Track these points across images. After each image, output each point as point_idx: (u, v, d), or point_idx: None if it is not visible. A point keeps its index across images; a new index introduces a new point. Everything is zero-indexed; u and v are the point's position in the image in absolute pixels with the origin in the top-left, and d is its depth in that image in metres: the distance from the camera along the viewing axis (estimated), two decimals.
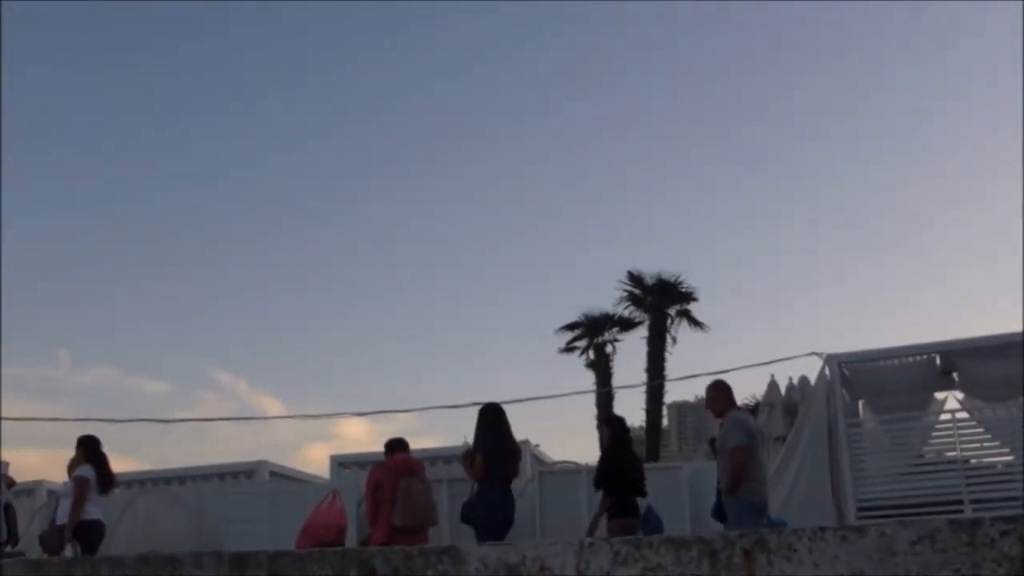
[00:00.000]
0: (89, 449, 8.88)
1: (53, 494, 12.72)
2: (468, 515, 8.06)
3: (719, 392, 7.91)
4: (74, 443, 9.02)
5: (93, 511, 8.53)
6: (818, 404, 10.45)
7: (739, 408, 8.08)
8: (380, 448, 10.28)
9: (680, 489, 10.54)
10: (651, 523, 8.40)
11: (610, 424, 8.93)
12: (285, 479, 14.88)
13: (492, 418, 8.30)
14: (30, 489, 14.37)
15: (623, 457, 8.53)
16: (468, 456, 8.12)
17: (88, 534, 8.43)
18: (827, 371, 10.45)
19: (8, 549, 8.87)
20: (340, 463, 14.26)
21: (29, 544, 11.00)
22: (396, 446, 8.09)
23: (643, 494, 8.54)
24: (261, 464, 14.94)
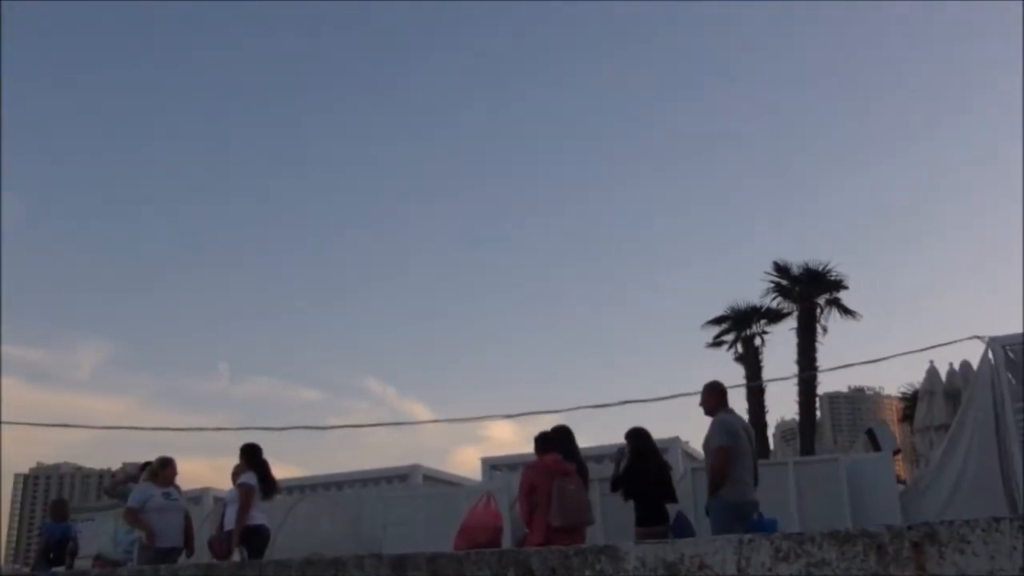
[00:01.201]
0: (251, 457, 9.28)
1: (220, 501, 13.36)
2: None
3: (712, 393, 8.23)
4: (237, 451, 9.44)
5: (258, 516, 8.92)
6: (983, 389, 10.10)
7: (728, 410, 8.28)
8: (528, 449, 10.41)
9: (839, 482, 10.32)
10: (681, 529, 8.56)
11: (629, 439, 9.00)
12: (438, 482, 15.21)
13: (560, 440, 8.74)
14: (198, 496, 15.15)
15: (645, 468, 8.73)
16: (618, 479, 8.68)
17: (254, 539, 8.82)
18: (991, 355, 10.09)
19: (187, 554, 9.34)
20: (491, 465, 14.48)
21: (199, 549, 11.60)
22: (547, 441, 8.18)
23: (672, 500, 8.80)
24: (415, 468, 15.31)
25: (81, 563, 13.58)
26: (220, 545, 9.00)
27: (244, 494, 8.86)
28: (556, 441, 8.28)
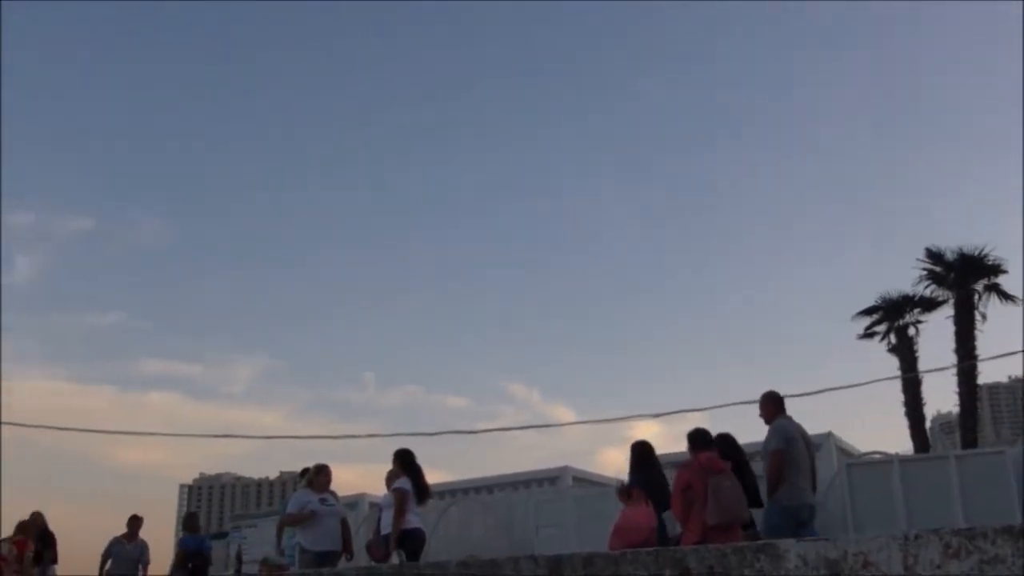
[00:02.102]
0: (405, 462, 9.51)
1: (375, 506, 13.74)
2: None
3: (768, 402, 8.69)
4: (387, 458, 9.70)
5: (413, 520, 9.14)
6: None
7: (786, 417, 8.60)
8: (673, 449, 10.32)
9: (1005, 475, 9.90)
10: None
11: (718, 444, 9.02)
12: (588, 483, 15.24)
13: (642, 454, 9.45)
14: (354, 502, 15.59)
15: (647, 476, 9.15)
16: (624, 490, 9.17)
17: (410, 542, 9.04)
18: None
19: (345, 559, 9.64)
20: None
21: (357, 553, 11.95)
22: (700, 440, 8.14)
23: (756, 505, 8.84)
24: (565, 470, 15.39)
25: (248, 568, 14.19)
26: (377, 548, 9.25)
27: (399, 498, 9.09)
28: (711, 440, 8.24)
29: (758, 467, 9.31)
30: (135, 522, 13.21)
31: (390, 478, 9.48)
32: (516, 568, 6.49)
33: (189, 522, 13.52)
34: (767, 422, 8.56)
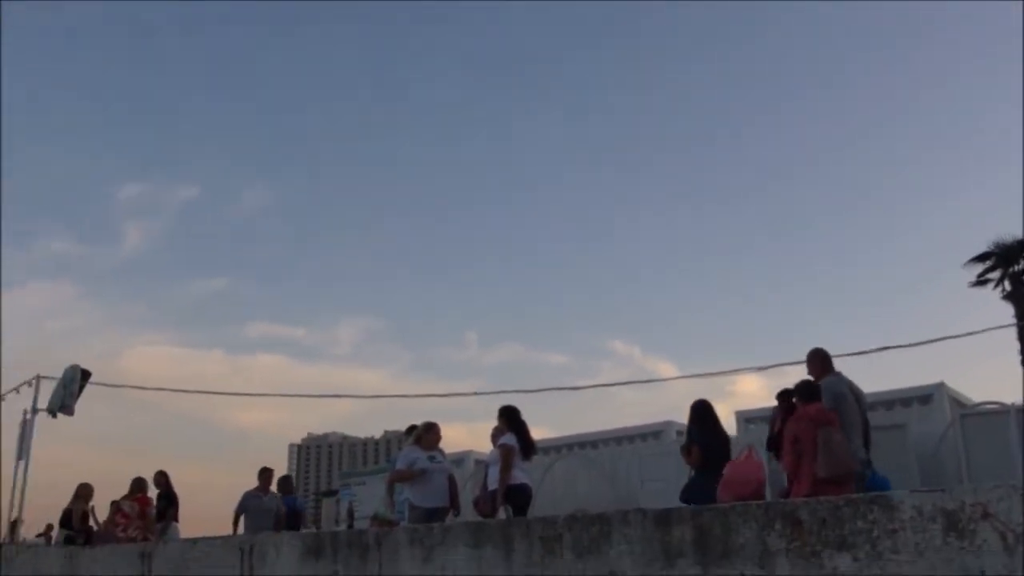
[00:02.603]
0: (511, 418, 9.61)
1: (481, 463, 13.96)
2: (688, 498, 8.76)
3: (815, 360, 8.64)
4: (490, 417, 9.81)
5: (520, 476, 9.25)
6: None
7: (836, 373, 8.55)
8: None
9: None
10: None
11: (692, 408, 9.56)
12: None
13: (702, 413, 9.51)
14: (460, 459, 15.88)
15: (707, 435, 9.31)
16: (685, 447, 9.39)
17: (517, 497, 9.16)
18: None
19: (452, 516, 9.82)
20: (746, 419, 14.36)
21: (464, 509, 12.18)
22: (808, 392, 8.06)
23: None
24: (668, 424, 15.40)
25: (359, 524, 14.59)
26: (485, 504, 9.39)
27: (505, 454, 9.20)
28: (818, 392, 8.15)
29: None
30: (266, 474, 13.22)
31: (496, 434, 9.60)
32: (625, 522, 6.57)
33: (283, 484, 13.93)
34: (816, 380, 8.48)
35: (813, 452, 7.31)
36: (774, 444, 9.37)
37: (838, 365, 8.68)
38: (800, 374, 8.75)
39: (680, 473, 11.79)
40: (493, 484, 9.29)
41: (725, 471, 8.06)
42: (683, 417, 9.92)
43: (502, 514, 9.10)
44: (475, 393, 12.91)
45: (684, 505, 6.84)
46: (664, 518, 6.50)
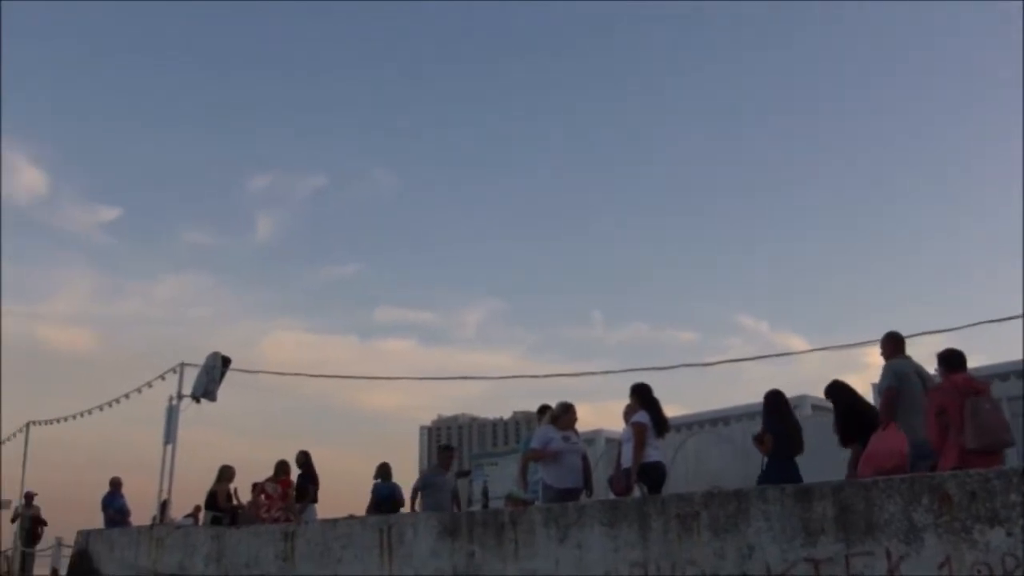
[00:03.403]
0: (643, 396, 9.58)
1: (612, 442, 13.99)
2: (762, 485, 8.72)
3: (887, 342, 8.87)
4: (617, 395, 9.81)
5: (653, 453, 9.23)
6: None
7: (904, 356, 8.75)
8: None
9: None
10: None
11: (830, 394, 9.62)
12: (827, 411, 14.91)
13: (775, 402, 9.69)
14: (591, 438, 15.95)
15: (781, 423, 9.53)
16: (759, 436, 9.57)
17: (651, 475, 9.15)
18: None
19: (586, 496, 9.87)
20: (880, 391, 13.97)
21: (597, 488, 12.20)
22: (953, 360, 7.77)
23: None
24: (802, 399, 15.13)
25: (493, 503, 14.80)
26: (619, 483, 9.40)
27: (638, 432, 9.19)
28: (964, 362, 7.93)
29: (999, 389, 8.95)
30: (447, 452, 13.38)
31: (628, 412, 9.59)
32: (763, 498, 6.50)
33: (382, 470, 14.24)
34: (886, 360, 8.74)
35: (960, 423, 7.06)
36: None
37: (972, 335, 8.68)
38: (938, 343, 8.55)
39: (817, 447, 11.62)
40: (626, 462, 9.29)
41: (868, 444, 7.86)
42: (817, 392, 9.83)
43: (636, 492, 9.11)
44: (604, 372, 12.98)
45: (827, 481, 6.68)
46: (804, 494, 6.41)
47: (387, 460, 13.52)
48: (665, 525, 7.03)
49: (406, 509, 12.52)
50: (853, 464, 8.83)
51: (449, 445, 13.11)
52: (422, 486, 12.51)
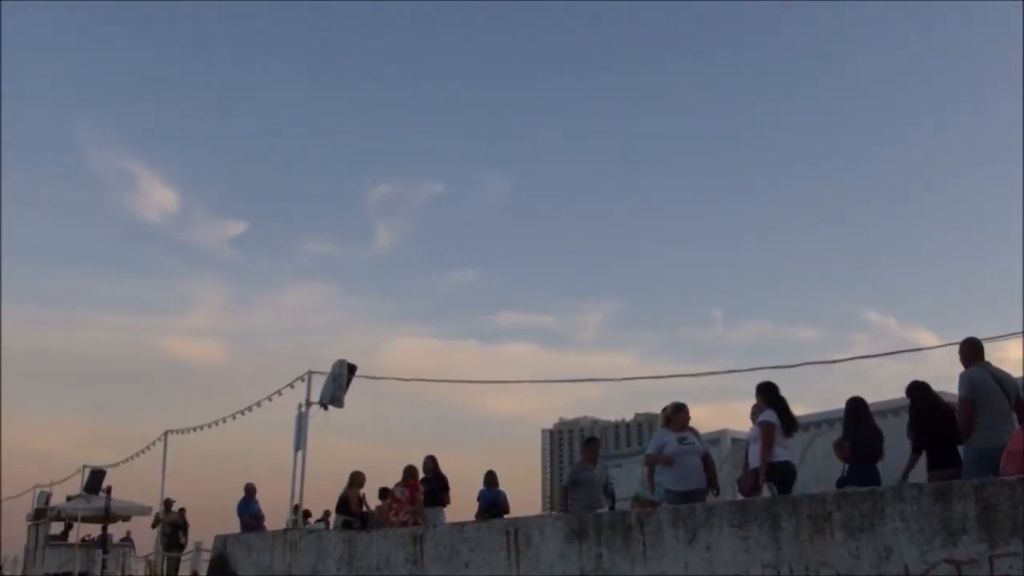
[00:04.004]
0: (770, 395, 9.43)
1: (738, 442, 13.77)
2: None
3: (964, 349, 8.80)
4: (740, 395, 9.75)
5: (781, 453, 9.08)
6: None
7: (980, 363, 8.65)
8: None
9: None
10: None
11: (910, 393, 9.63)
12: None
13: (855, 410, 9.80)
14: (716, 438, 15.71)
15: (931, 418, 9.26)
16: (838, 443, 9.83)
17: (780, 475, 9.00)
18: None
19: (712, 495, 9.78)
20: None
21: (724, 489, 12.03)
22: None
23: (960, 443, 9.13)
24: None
25: (620, 506, 14.73)
26: (747, 483, 9.29)
27: (766, 431, 9.05)
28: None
29: None
30: (592, 445, 12.97)
31: (755, 412, 9.46)
32: (899, 497, 6.33)
33: (488, 478, 14.35)
34: (964, 368, 8.69)
35: None
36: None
37: None
38: None
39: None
40: (754, 462, 9.17)
41: (1009, 441, 7.58)
42: (948, 387, 9.61)
43: (765, 492, 8.97)
44: (726, 371, 12.76)
45: (968, 480, 6.48)
46: (944, 492, 6.20)
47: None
48: (797, 526, 6.91)
49: (526, 511, 12.61)
50: (907, 471, 9.05)
51: (594, 437, 12.94)
52: (572, 483, 12.24)
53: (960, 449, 8.95)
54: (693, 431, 10.09)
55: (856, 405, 9.86)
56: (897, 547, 6.26)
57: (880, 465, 9.55)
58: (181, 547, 22.95)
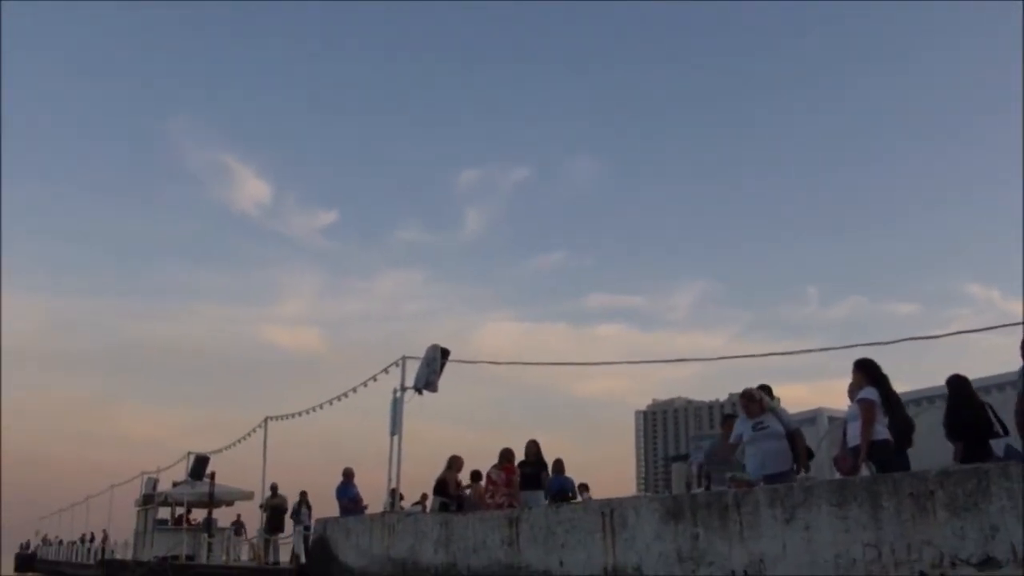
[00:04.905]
0: (869, 371, 9.22)
1: (834, 420, 13.56)
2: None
3: None
4: (834, 374, 9.55)
5: (882, 431, 8.90)
6: None
7: None
8: None
9: None
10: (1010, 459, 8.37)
11: (948, 384, 9.80)
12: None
13: (957, 388, 9.77)
14: (812, 417, 15.50)
15: (963, 410, 9.46)
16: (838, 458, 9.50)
17: (881, 453, 8.82)
18: None
19: (802, 473, 9.68)
20: None
21: (818, 468, 11.86)
22: None
23: (993, 436, 9.36)
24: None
25: (715, 486, 14.63)
26: (846, 462, 9.12)
27: (867, 409, 8.86)
28: None
29: None
30: (730, 422, 12.84)
31: (853, 389, 9.27)
32: (1005, 475, 6.17)
33: (556, 465, 14.44)
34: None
35: None
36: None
37: None
38: None
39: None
40: (853, 441, 9.00)
41: None
42: None
43: (865, 471, 8.82)
44: (823, 349, 12.48)
45: None
46: None
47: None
48: (898, 505, 6.79)
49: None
50: (957, 460, 9.00)
51: (732, 414, 12.91)
52: (709, 460, 12.25)
53: (993, 444, 9.35)
54: (774, 412, 9.96)
55: (958, 382, 9.79)
56: (1004, 526, 6.11)
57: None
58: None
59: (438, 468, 15.59)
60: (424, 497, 18.87)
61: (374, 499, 18.32)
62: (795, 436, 9.85)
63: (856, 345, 10.20)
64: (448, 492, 14.99)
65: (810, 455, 10.37)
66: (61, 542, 65.01)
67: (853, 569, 7.00)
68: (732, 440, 9.99)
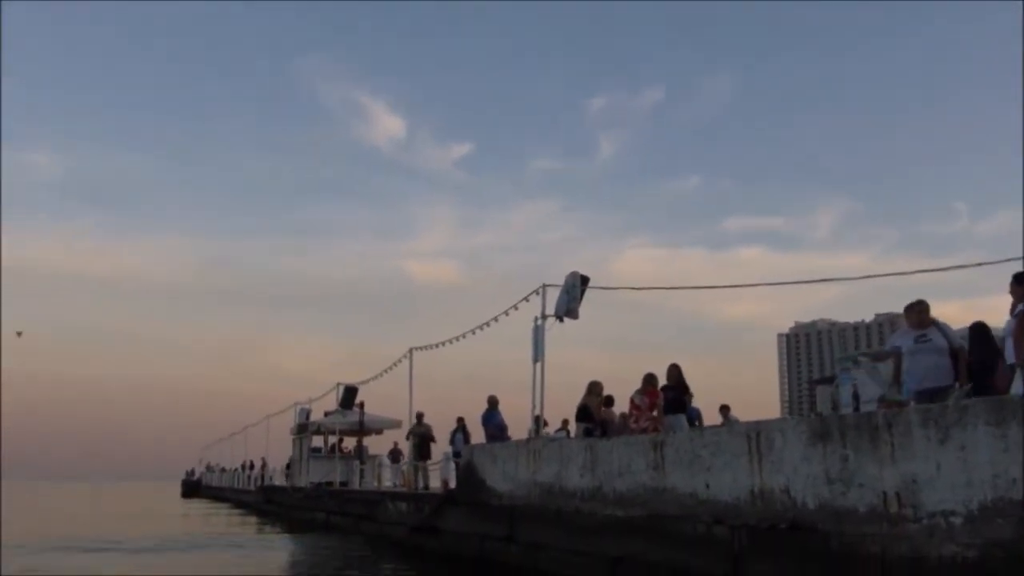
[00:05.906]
0: None
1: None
2: None
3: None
4: (992, 289, 9.14)
5: None
6: None
7: None
8: None
9: None
10: None
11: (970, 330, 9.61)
12: None
13: (978, 334, 9.62)
14: (962, 336, 14.94)
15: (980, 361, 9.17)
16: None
17: None
18: None
19: (959, 389, 9.39)
20: None
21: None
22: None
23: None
24: None
25: (865, 407, 14.39)
26: (1003, 379, 8.80)
27: (1021, 324, 8.52)
28: None
29: None
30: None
31: (1015, 303, 8.86)
32: None
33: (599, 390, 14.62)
34: None
35: None
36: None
37: None
38: None
39: None
40: (1010, 358, 8.67)
41: None
42: None
43: (1021, 389, 8.50)
44: (975, 264, 11.94)
45: None
46: None
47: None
48: None
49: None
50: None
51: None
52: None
53: None
54: (939, 327, 9.65)
55: (979, 328, 9.68)
56: None
57: None
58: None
59: (579, 394, 15.75)
60: (566, 423, 19.11)
61: (517, 426, 18.69)
62: (959, 353, 9.54)
63: (1013, 259, 9.78)
64: (591, 417, 15.15)
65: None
66: (223, 469, 68.72)
67: (1012, 490, 6.82)
68: (888, 350, 9.70)
